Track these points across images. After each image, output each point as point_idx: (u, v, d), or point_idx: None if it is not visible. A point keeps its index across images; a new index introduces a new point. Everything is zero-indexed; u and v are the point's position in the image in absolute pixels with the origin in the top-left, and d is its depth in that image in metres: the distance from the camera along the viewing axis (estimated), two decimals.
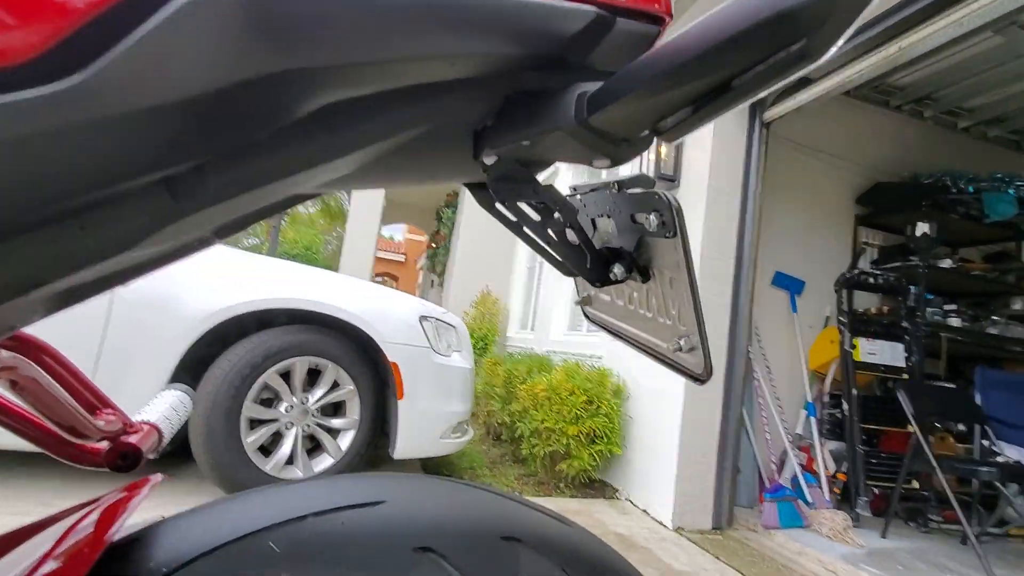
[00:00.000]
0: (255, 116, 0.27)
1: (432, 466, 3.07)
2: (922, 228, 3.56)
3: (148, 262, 0.43)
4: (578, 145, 0.33)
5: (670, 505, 2.80)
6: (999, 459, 3.07)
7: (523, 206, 0.45)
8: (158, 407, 0.66)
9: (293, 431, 2.28)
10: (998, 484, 2.99)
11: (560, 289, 5.06)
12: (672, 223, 0.38)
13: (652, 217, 0.39)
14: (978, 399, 3.40)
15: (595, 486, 3.25)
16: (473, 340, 5.14)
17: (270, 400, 2.28)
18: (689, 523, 2.80)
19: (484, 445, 3.97)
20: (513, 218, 0.46)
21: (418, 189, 9.22)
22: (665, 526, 2.79)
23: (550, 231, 0.46)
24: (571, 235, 0.46)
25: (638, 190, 0.42)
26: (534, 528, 0.44)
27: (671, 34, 0.31)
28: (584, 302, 0.59)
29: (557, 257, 0.48)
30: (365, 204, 7.58)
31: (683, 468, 2.82)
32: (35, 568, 0.35)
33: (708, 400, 2.90)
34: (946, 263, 3.73)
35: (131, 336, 2.06)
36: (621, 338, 0.52)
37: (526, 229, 0.47)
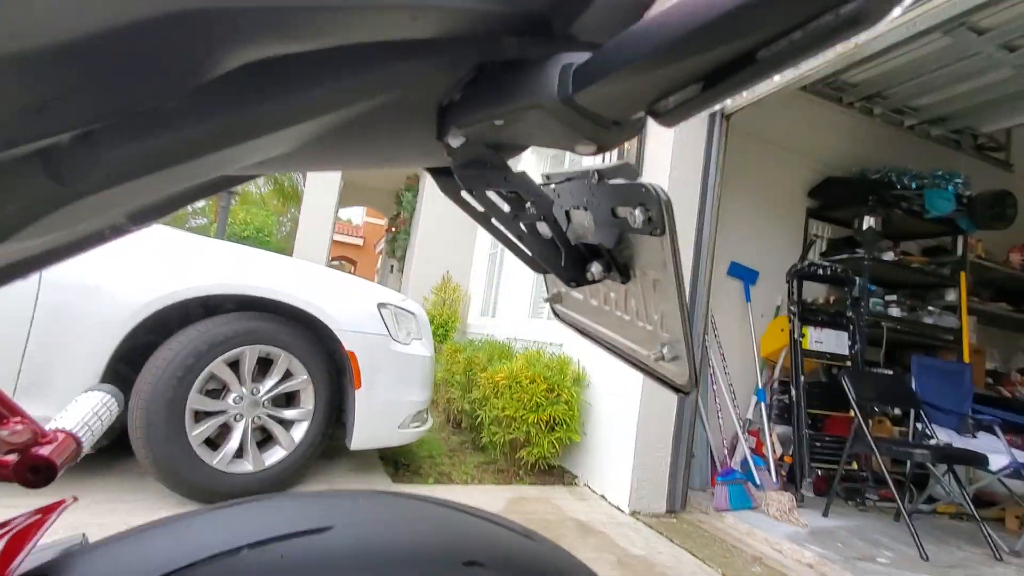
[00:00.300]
0: (159, 71, 0.21)
1: (390, 455, 3.02)
2: (868, 222, 3.73)
3: (45, 254, 0.37)
4: (560, 126, 0.29)
5: (627, 490, 2.85)
6: (931, 441, 3.26)
7: (491, 195, 0.41)
8: (77, 412, 0.59)
9: (242, 423, 2.17)
10: (929, 464, 3.19)
11: (522, 276, 5.04)
12: (660, 220, 0.34)
13: (637, 212, 0.35)
14: (913, 385, 3.61)
15: (554, 472, 3.28)
16: (433, 327, 5.07)
17: (217, 391, 2.16)
18: (645, 507, 2.86)
19: (444, 433, 3.93)
20: (480, 208, 0.41)
21: (377, 171, 8.97)
22: (622, 511, 2.84)
23: (521, 224, 0.42)
24: (544, 229, 0.42)
25: (621, 180, 0.38)
26: (499, 549, 0.40)
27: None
28: (554, 300, 0.55)
29: (528, 253, 0.44)
30: (322, 185, 7.30)
31: (640, 454, 2.86)
32: None
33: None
34: (888, 256, 3.92)
35: (61, 325, 1.90)
36: (595, 341, 0.48)
37: (494, 221, 0.43)
